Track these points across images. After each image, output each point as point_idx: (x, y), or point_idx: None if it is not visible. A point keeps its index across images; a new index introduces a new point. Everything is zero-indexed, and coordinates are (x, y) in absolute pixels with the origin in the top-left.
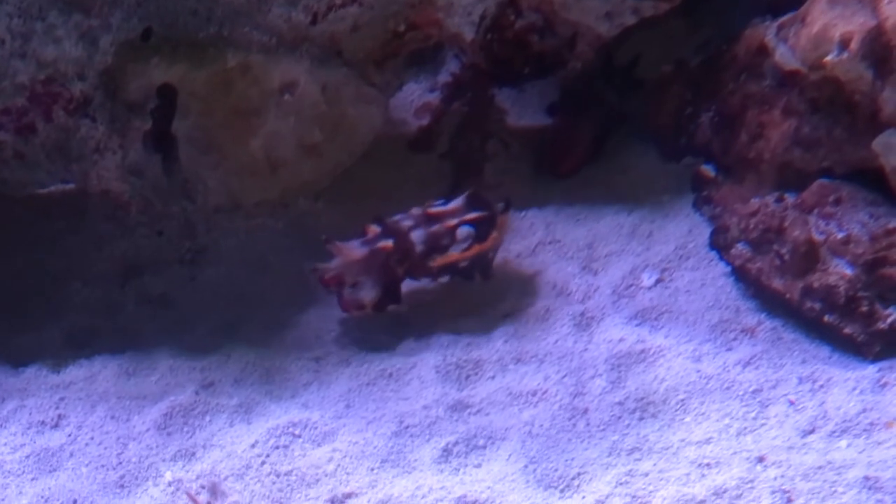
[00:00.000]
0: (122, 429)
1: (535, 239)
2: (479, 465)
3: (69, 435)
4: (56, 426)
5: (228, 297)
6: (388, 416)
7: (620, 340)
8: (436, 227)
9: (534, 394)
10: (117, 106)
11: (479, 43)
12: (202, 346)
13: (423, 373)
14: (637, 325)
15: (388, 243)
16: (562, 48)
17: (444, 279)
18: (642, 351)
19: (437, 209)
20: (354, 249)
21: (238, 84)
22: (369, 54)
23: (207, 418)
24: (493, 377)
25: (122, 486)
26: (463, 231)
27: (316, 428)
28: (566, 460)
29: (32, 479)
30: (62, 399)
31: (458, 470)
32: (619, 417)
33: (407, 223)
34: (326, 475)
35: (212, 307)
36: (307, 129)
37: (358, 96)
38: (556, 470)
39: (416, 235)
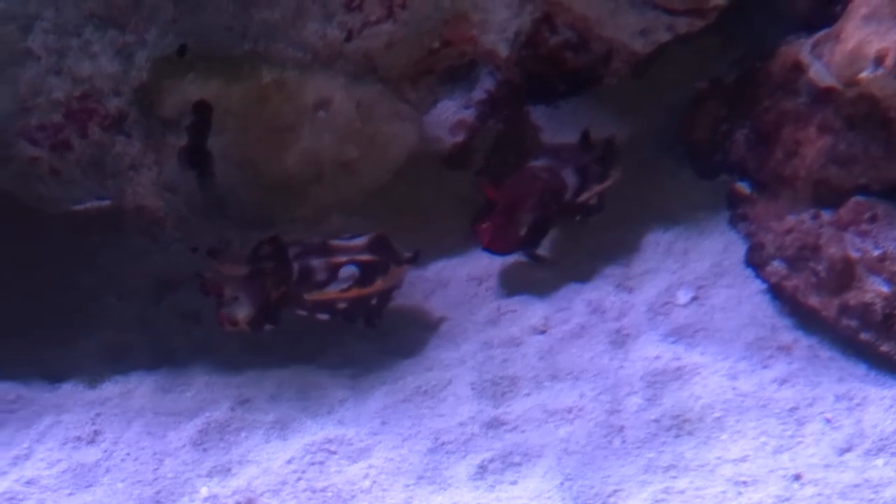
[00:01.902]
0: (158, 444)
1: (570, 256)
2: (514, 482)
3: (105, 450)
4: (92, 442)
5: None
6: (424, 433)
7: (656, 358)
8: (318, 261)
9: (569, 411)
10: (152, 122)
11: (513, 59)
12: (238, 362)
13: (459, 389)
14: (673, 343)
15: (269, 265)
16: (596, 65)
17: (324, 317)
18: (678, 368)
19: (336, 242)
20: (238, 265)
21: (273, 100)
22: (404, 71)
23: (243, 434)
24: (528, 394)
25: (157, 502)
26: (346, 271)
27: (352, 444)
28: (602, 477)
29: (69, 495)
30: (98, 415)
31: (494, 487)
32: (655, 435)
33: (296, 250)
34: (362, 491)
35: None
36: (341, 145)
37: (392, 113)
38: (591, 487)
39: (300, 264)
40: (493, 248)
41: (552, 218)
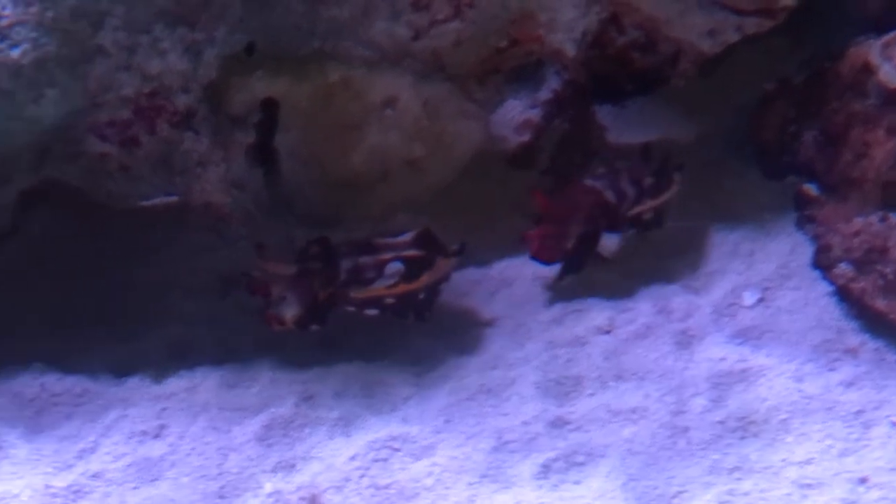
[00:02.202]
0: (223, 440)
1: (635, 256)
2: (578, 482)
3: (170, 445)
4: (158, 436)
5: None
6: (488, 432)
7: (722, 359)
8: (366, 259)
9: (634, 411)
10: (220, 119)
11: (580, 59)
12: (303, 358)
13: (523, 388)
14: (738, 344)
15: (317, 265)
16: (664, 65)
17: (372, 312)
18: (744, 370)
19: (380, 241)
20: (285, 265)
21: (340, 98)
22: (471, 70)
23: (307, 430)
24: (592, 394)
25: (222, 497)
26: (391, 267)
27: (415, 442)
28: (666, 478)
29: (134, 489)
30: (164, 409)
31: (557, 486)
32: (720, 436)
33: (342, 250)
34: (425, 489)
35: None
36: (408, 143)
37: (459, 112)
38: (655, 488)
39: (347, 264)
40: (541, 257)
41: (600, 233)
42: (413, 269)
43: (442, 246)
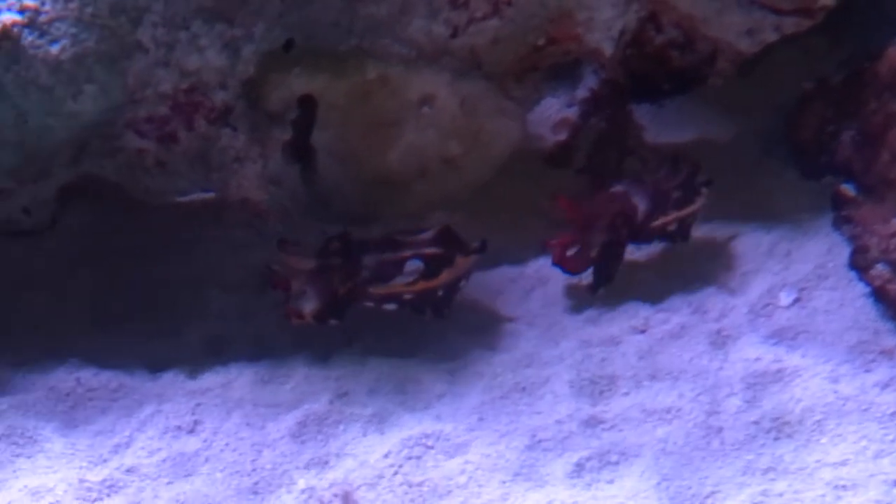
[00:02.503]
0: (257, 436)
1: (671, 256)
2: (611, 481)
3: (205, 440)
4: (192, 431)
5: (365, 307)
6: (521, 430)
7: (757, 359)
8: (387, 256)
9: (668, 411)
10: (258, 116)
11: (618, 58)
12: (337, 355)
13: (557, 387)
14: (774, 345)
15: (337, 261)
16: (702, 64)
17: (391, 307)
18: (779, 370)
19: (401, 237)
20: (305, 260)
21: (377, 96)
22: (509, 68)
23: (341, 427)
24: (627, 393)
25: (255, 493)
26: (411, 264)
27: (449, 440)
28: (700, 478)
29: (168, 484)
30: (198, 405)
31: (591, 485)
32: (755, 437)
33: (364, 247)
34: (459, 487)
35: (347, 316)
36: (445, 141)
37: (497, 110)
38: (689, 488)
39: (367, 260)
40: (565, 266)
41: (624, 243)
42: (433, 266)
43: (463, 243)
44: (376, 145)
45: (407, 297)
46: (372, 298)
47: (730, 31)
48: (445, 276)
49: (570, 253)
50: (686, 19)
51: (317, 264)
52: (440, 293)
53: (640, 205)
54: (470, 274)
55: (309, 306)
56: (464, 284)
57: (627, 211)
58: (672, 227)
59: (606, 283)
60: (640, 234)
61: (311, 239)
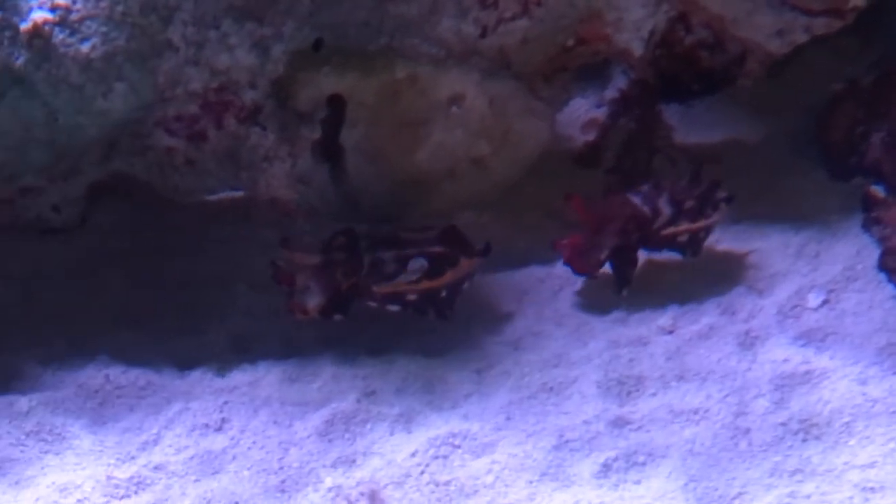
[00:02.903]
0: (284, 434)
1: (700, 256)
2: (638, 482)
3: (232, 438)
4: (219, 429)
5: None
6: (549, 430)
7: (785, 361)
8: (390, 253)
9: (695, 412)
10: (287, 115)
11: (647, 58)
12: (364, 354)
13: (585, 387)
14: (802, 346)
15: (341, 256)
16: (731, 65)
17: (394, 308)
18: (807, 372)
19: (406, 235)
20: (310, 255)
21: (406, 95)
22: (538, 68)
23: (368, 426)
24: (654, 394)
25: (282, 491)
26: (415, 263)
27: (476, 439)
28: (727, 480)
29: (195, 481)
30: (226, 403)
31: (618, 486)
32: (782, 438)
33: (368, 243)
34: (485, 486)
35: (374, 316)
36: (474, 141)
37: (526, 110)
38: (716, 489)
39: (369, 256)
40: (574, 267)
41: (635, 247)
42: (437, 265)
43: (467, 244)
44: (405, 145)
45: (410, 296)
46: (375, 297)
47: (760, 32)
48: (450, 276)
49: (579, 253)
50: (716, 20)
51: (321, 259)
52: (443, 293)
53: (654, 210)
54: (473, 276)
55: (313, 301)
56: (467, 286)
57: (640, 216)
58: (683, 239)
59: (626, 285)
60: (651, 241)
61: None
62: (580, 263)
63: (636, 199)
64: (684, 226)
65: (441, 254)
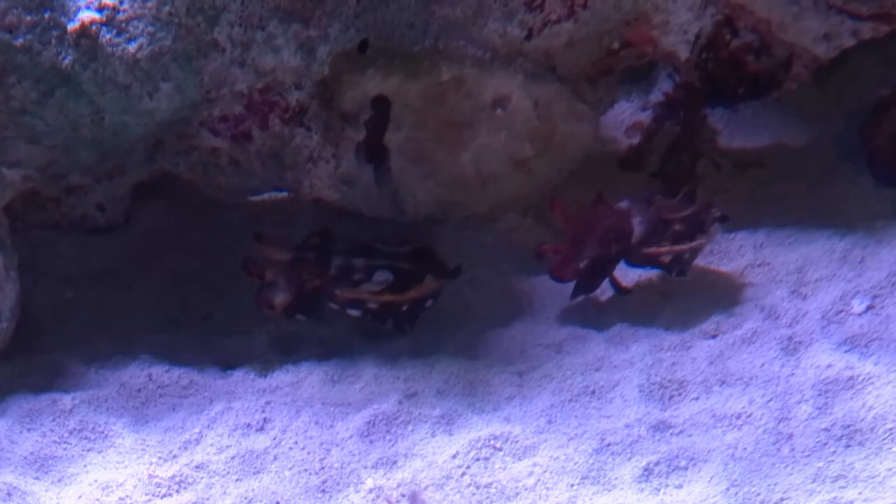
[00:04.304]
0: (326, 434)
1: (745, 261)
2: (679, 486)
3: (274, 438)
4: (261, 429)
5: (434, 309)
6: (590, 433)
7: (828, 366)
8: (358, 261)
9: (738, 417)
10: (332, 116)
11: (693, 62)
12: (406, 356)
13: (627, 391)
14: (846, 352)
15: (310, 256)
16: (777, 69)
17: (355, 313)
18: (850, 378)
19: (379, 245)
20: (281, 251)
21: (451, 97)
22: (583, 70)
23: (410, 428)
24: (696, 398)
25: (323, 491)
26: (380, 274)
27: (517, 442)
28: (769, 485)
29: (237, 480)
30: (268, 403)
31: (659, 490)
32: (825, 444)
33: (340, 247)
34: (526, 489)
35: (417, 318)
36: (518, 143)
37: (570, 112)
38: (758, 494)
39: (337, 260)
40: (554, 274)
41: (613, 260)
42: (401, 281)
43: (438, 264)
44: (449, 147)
45: (371, 305)
46: (337, 301)
47: (806, 36)
48: (412, 293)
49: (560, 260)
50: (762, 23)
51: (291, 257)
52: (404, 308)
53: (637, 227)
54: (437, 295)
55: (279, 298)
56: (430, 304)
57: (621, 228)
58: (666, 259)
59: (586, 293)
60: (632, 256)
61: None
62: (559, 271)
63: (620, 212)
64: (667, 247)
65: (408, 270)
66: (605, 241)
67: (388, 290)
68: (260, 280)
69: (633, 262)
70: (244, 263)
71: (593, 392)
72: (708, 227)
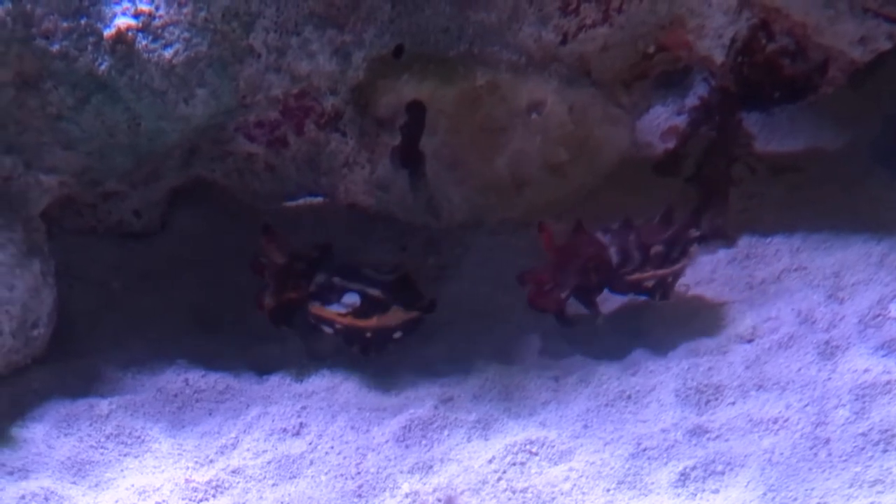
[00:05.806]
0: (362, 439)
1: (781, 265)
2: (716, 491)
3: (310, 443)
4: (297, 434)
5: (470, 314)
6: (626, 438)
7: (865, 371)
8: (336, 280)
9: (775, 421)
10: (367, 121)
11: (728, 66)
12: (442, 361)
13: (663, 396)
14: (883, 356)
15: (300, 267)
16: (813, 73)
17: (328, 330)
18: (888, 382)
19: (364, 269)
20: (280, 253)
21: (486, 102)
22: (618, 75)
23: (445, 432)
24: (733, 403)
25: (359, 496)
26: (349, 297)
27: (553, 446)
28: (806, 490)
29: (273, 485)
30: (304, 408)
31: (696, 495)
32: (863, 449)
33: (328, 264)
34: (562, 494)
35: (453, 323)
36: (553, 148)
37: (605, 117)
38: (795, 499)
39: (319, 277)
40: (533, 303)
41: (594, 289)
42: (366, 307)
43: (416, 296)
44: (484, 151)
45: (338, 326)
46: (311, 316)
47: (842, 40)
48: (375, 321)
49: (541, 290)
50: (798, 27)
51: (284, 262)
52: (368, 335)
53: (616, 256)
54: (407, 327)
55: (268, 301)
56: (398, 336)
57: (601, 257)
58: (649, 283)
59: (570, 326)
60: (614, 284)
61: (419, 244)
62: (541, 301)
63: (604, 241)
64: (649, 272)
65: (375, 298)
66: (586, 270)
67: (352, 314)
68: (259, 277)
69: (617, 290)
70: (252, 258)
71: (629, 397)
72: (689, 247)
